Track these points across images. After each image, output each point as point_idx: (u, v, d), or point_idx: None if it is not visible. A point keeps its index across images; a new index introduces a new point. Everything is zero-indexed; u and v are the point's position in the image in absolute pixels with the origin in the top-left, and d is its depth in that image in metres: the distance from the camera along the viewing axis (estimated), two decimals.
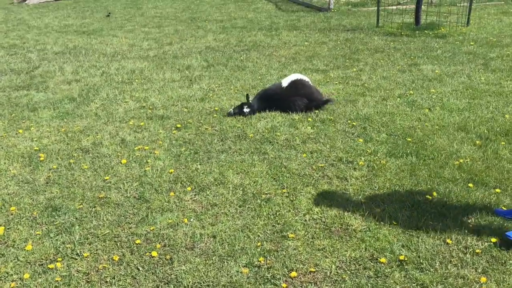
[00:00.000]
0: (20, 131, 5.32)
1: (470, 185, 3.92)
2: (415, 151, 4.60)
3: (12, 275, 2.99)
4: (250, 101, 5.73)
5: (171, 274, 2.98)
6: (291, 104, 5.71)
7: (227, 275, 2.95)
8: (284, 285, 2.86)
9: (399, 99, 6.16)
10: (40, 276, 2.98)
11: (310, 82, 6.03)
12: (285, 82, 5.84)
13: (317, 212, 3.64)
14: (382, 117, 5.51)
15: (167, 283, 2.89)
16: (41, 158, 4.61)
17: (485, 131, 5.00)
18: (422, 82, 6.82)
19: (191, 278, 2.93)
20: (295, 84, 5.79)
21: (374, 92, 6.46)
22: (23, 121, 5.64)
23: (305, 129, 5.22)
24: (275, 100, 5.78)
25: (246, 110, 5.64)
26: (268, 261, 3.08)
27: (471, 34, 9.86)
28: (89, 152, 4.76)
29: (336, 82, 6.94)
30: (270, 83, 6.92)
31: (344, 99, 6.20)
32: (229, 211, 3.68)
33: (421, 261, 3.05)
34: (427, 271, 2.96)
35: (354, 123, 5.35)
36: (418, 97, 6.20)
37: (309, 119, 5.51)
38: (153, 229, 3.44)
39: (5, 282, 2.92)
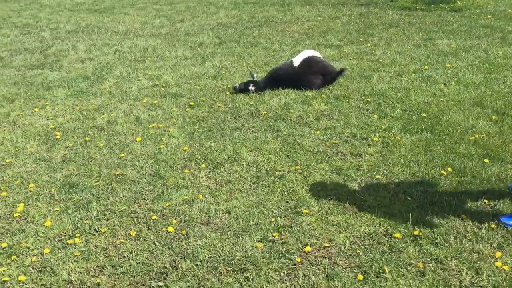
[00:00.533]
0: (36, 109, 5.37)
1: (486, 160, 3.89)
2: (430, 126, 4.56)
3: (33, 249, 3.06)
4: (256, 79, 5.68)
5: (187, 249, 3.03)
6: (307, 83, 5.65)
7: (242, 249, 2.99)
8: (298, 259, 2.89)
9: (414, 74, 6.08)
10: (59, 251, 3.05)
11: (321, 57, 5.96)
12: (296, 61, 5.73)
13: (331, 188, 3.65)
14: (396, 92, 5.46)
15: (184, 258, 2.95)
16: (57, 136, 4.67)
17: (502, 106, 4.93)
18: (438, 57, 6.71)
19: (206, 253, 2.97)
20: (307, 62, 5.71)
21: (389, 67, 6.38)
22: (38, 100, 5.70)
23: (319, 106, 5.20)
24: (287, 80, 5.70)
25: (251, 88, 5.60)
26: (282, 236, 3.12)
27: (488, 7, 9.63)
28: (104, 130, 4.81)
29: (350, 58, 6.87)
30: (283, 59, 6.87)
31: (358, 74, 6.14)
32: (243, 187, 3.70)
33: (436, 236, 3.05)
34: (441, 246, 2.96)
35: (369, 99, 5.30)
36: (433, 72, 6.11)
37: (323, 95, 5.47)
38: (169, 205, 3.49)
39: (26, 256, 3.00)
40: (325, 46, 7.54)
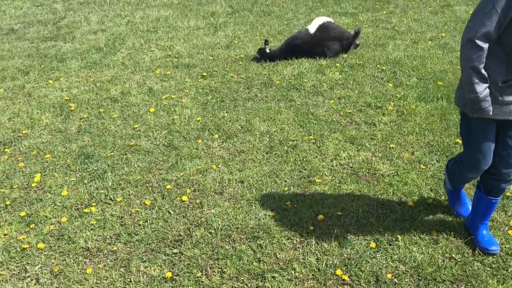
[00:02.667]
0: (50, 81, 5.40)
1: None
2: (446, 95, 4.48)
3: (50, 218, 3.13)
4: (270, 49, 5.62)
5: (201, 218, 3.06)
6: (325, 49, 5.54)
7: (255, 218, 3.02)
8: (311, 227, 2.91)
9: (430, 42, 5.95)
10: (76, 219, 3.11)
11: (335, 23, 5.85)
12: (312, 28, 5.63)
13: (344, 157, 3.64)
14: (412, 61, 5.36)
15: (198, 226, 2.99)
16: (72, 108, 4.71)
17: None
18: (455, 24, 6.54)
19: (220, 221, 3.01)
20: (323, 28, 5.59)
21: (405, 35, 6.25)
22: (52, 71, 5.72)
23: (333, 75, 5.13)
24: (305, 49, 5.61)
25: (267, 50, 5.56)
26: (295, 205, 3.13)
27: None
28: (118, 101, 4.83)
29: (366, 26, 6.73)
30: (297, 28, 6.77)
31: (374, 43, 6.02)
32: (256, 157, 3.71)
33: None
34: (454, 215, 2.95)
35: (384, 68, 5.22)
36: (450, 39, 5.97)
37: (337, 64, 5.40)
38: (182, 175, 3.52)
39: (44, 225, 3.07)
40: (339, 14, 7.39)
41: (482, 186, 2.60)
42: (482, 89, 2.20)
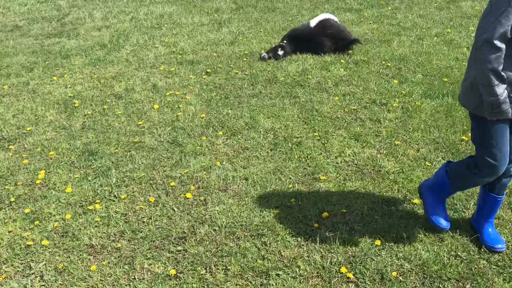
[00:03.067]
0: (54, 78, 5.40)
1: None
2: (452, 91, 4.45)
3: (55, 215, 3.13)
4: (284, 43, 5.64)
5: (206, 215, 3.06)
6: (319, 45, 5.58)
7: (260, 215, 3.01)
8: (315, 225, 2.90)
9: (436, 38, 5.91)
10: (80, 216, 3.11)
11: (338, 22, 5.84)
12: (313, 22, 5.72)
13: (349, 154, 3.62)
14: (418, 57, 5.32)
15: (202, 223, 2.98)
16: (76, 105, 4.70)
17: None
18: (461, 20, 6.50)
19: (224, 218, 3.00)
20: (323, 23, 5.64)
21: (410, 31, 6.21)
22: (57, 68, 5.72)
23: (338, 71, 5.11)
24: (303, 41, 5.65)
25: (280, 52, 5.54)
26: (299, 203, 3.12)
27: None
28: (122, 98, 4.82)
29: (370, 22, 6.69)
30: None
31: (379, 39, 5.99)
32: (260, 154, 3.70)
33: (455, 201, 3.02)
34: (460, 212, 2.93)
35: (389, 64, 5.18)
36: (456, 35, 5.92)
37: (342, 61, 5.37)
38: (187, 172, 3.51)
39: (49, 222, 3.07)
40: (344, 10, 7.35)
41: (486, 184, 2.59)
42: (502, 90, 2.15)
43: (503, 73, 2.13)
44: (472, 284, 2.44)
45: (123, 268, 2.66)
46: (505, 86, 2.16)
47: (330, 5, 7.68)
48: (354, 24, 6.66)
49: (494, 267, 2.54)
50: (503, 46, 2.09)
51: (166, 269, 2.64)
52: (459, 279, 2.47)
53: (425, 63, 5.15)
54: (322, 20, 5.68)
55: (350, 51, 5.58)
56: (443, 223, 2.66)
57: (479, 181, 2.50)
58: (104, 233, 2.95)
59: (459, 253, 2.63)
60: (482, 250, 2.64)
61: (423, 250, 2.65)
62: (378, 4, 7.57)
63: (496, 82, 2.13)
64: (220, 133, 4.03)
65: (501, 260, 2.57)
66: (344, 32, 5.69)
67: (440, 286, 2.44)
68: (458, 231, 2.78)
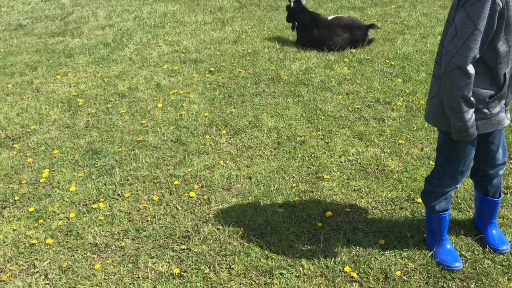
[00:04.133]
0: (58, 77, 5.41)
1: None
2: None
3: (59, 214, 3.14)
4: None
5: (209, 214, 3.06)
6: (333, 35, 5.62)
7: (263, 214, 3.01)
8: (319, 224, 2.90)
9: (439, 36, 5.88)
10: (84, 215, 3.12)
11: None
12: (330, 17, 5.96)
13: (352, 153, 3.61)
14: (421, 55, 5.31)
15: (205, 222, 2.98)
16: (80, 103, 4.71)
17: None
18: None
19: (228, 217, 3.00)
20: (337, 18, 5.84)
21: (414, 29, 6.19)
22: (60, 67, 5.73)
23: (341, 70, 5.10)
24: (317, 28, 5.73)
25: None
26: (303, 202, 3.12)
27: None
28: (126, 96, 4.83)
29: (374, 20, 6.68)
30: None
31: (382, 37, 5.97)
32: (264, 153, 3.70)
33: (459, 201, 3.01)
34: (465, 212, 2.93)
35: (393, 63, 5.17)
36: None
37: (345, 59, 5.36)
38: (190, 171, 3.51)
39: (53, 220, 3.08)
40: (348, 9, 7.34)
41: (480, 188, 2.59)
42: (470, 115, 2.07)
43: (472, 99, 2.05)
44: (477, 284, 2.44)
45: (127, 266, 2.67)
46: (473, 110, 2.08)
47: (334, 4, 7.67)
48: None
49: (499, 266, 2.53)
50: (473, 71, 1.99)
51: (170, 267, 2.64)
52: (464, 279, 2.47)
53: (429, 61, 5.13)
54: (336, 16, 5.93)
55: (371, 37, 5.61)
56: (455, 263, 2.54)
57: (440, 192, 2.44)
58: (108, 231, 2.95)
59: (463, 253, 2.62)
60: (487, 249, 2.63)
61: (427, 249, 2.65)
62: (381, 3, 7.55)
63: (466, 109, 2.04)
64: (224, 132, 4.03)
65: (505, 260, 2.57)
66: (358, 21, 5.82)
67: (444, 285, 2.43)
68: (462, 230, 2.77)
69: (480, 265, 2.54)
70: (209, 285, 2.52)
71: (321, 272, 2.56)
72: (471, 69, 1.98)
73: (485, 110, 2.17)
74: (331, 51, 5.60)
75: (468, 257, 2.59)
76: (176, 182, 3.39)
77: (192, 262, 2.67)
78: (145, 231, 2.93)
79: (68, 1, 9.17)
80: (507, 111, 2.26)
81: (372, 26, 5.67)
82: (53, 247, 2.85)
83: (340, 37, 5.59)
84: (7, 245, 2.88)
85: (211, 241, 2.82)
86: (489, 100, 2.15)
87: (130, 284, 2.55)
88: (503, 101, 2.21)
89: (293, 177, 3.39)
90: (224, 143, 3.87)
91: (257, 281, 2.52)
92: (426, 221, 2.65)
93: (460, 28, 1.95)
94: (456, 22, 1.98)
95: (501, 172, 2.50)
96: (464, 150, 2.29)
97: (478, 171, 2.51)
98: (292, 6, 6.13)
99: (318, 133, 3.92)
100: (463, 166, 2.33)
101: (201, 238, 2.84)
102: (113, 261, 2.71)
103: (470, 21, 1.92)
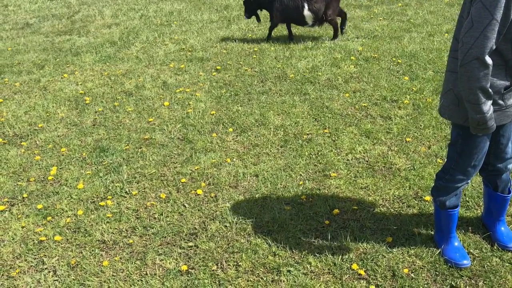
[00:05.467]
0: (65, 75, 5.44)
1: None
2: None
3: (67, 211, 3.15)
4: None
5: (216, 211, 3.06)
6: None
7: (270, 212, 3.01)
8: (326, 222, 2.90)
9: (447, 34, 5.86)
10: (92, 212, 3.13)
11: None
12: None
13: (359, 151, 3.61)
14: (428, 53, 5.29)
15: (213, 219, 2.99)
16: (87, 101, 4.73)
17: None
18: None
19: (235, 215, 3.00)
20: None
21: (421, 27, 6.16)
22: (67, 65, 5.76)
23: (348, 68, 5.09)
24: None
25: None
26: (310, 199, 3.11)
27: None
28: (133, 94, 4.84)
29: (381, 18, 6.66)
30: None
31: (389, 35, 5.95)
32: (270, 151, 3.70)
33: (467, 199, 3.00)
34: (473, 210, 2.91)
35: (399, 61, 5.16)
36: None
37: (352, 57, 5.35)
38: (197, 169, 3.52)
39: (61, 217, 3.10)
40: (354, 7, 7.32)
41: (489, 183, 2.58)
42: (488, 107, 2.08)
43: (490, 90, 2.05)
44: (485, 282, 2.43)
45: (135, 263, 2.68)
46: (491, 102, 2.08)
47: (340, 2, 7.65)
48: (364, 20, 6.63)
49: (507, 264, 2.52)
50: (491, 62, 1.99)
51: (177, 264, 2.65)
52: (472, 277, 2.46)
53: (436, 59, 5.11)
54: None
55: (360, 48, 5.55)
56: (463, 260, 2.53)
57: (451, 188, 2.44)
58: (116, 229, 2.96)
59: (471, 251, 2.61)
60: (495, 247, 2.62)
61: (434, 247, 2.64)
62: (388, 1, 7.53)
63: (484, 100, 2.04)
64: (230, 130, 4.03)
65: None
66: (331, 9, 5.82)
67: (452, 283, 2.42)
68: (470, 228, 2.76)
69: (488, 263, 2.53)
70: (217, 282, 2.53)
71: (328, 269, 2.56)
72: (488, 59, 1.98)
73: (500, 102, 2.17)
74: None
75: (476, 255, 2.58)
76: (183, 180, 3.39)
77: (200, 259, 2.68)
78: (153, 228, 2.94)
79: (75, 0, 9.20)
80: None
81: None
82: (61, 244, 2.86)
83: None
84: (16, 242, 2.90)
85: (219, 238, 2.83)
86: (504, 92, 2.15)
87: (138, 280, 2.56)
88: None
89: (300, 175, 3.39)
90: (230, 141, 3.88)
91: (265, 278, 2.52)
92: (435, 219, 2.65)
93: (476, 19, 1.95)
94: (472, 14, 1.97)
95: (510, 166, 2.49)
96: (479, 144, 2.28)
97: (488, 166, 2.50)
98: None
99: (325, 131, 3.92)
100: (475, 160, 2.33)
101: (209, 236, 2.85)
102: (121, 258, 2.72)
103: (487, 11, 1.92)
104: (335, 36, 5.95)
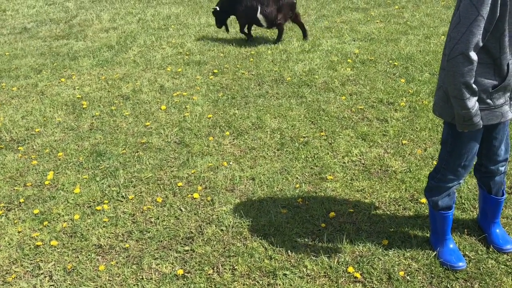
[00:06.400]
0: (63, 79, 5.44)
1: None
2: None
3: (63, 216, 3.16)
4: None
5: (213, 215, 3.07)
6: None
7: (267, 215, 3.01)
8: (323, 225, 2.90)
9: (443, 37, 5.88)
10: (89, 217, 3.13)
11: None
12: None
13: (356, 154, 3.61)
14: (425, 56, 5.30)
15: (209, 223, 2.99)
16: (84, 106, 4.74)
17: None
18: None
19: (231, 218, 3.01)
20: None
21: (417, 30, 6.18)
22: (65, 70, 5.76)
23: (345, 71, 5.10)
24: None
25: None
26: (306, 202, 3.12)
27: None
28: (130, 99, 4.85)
29: (377, 21, 6.68)
30: (308, 24, 6.73)
31: (386, 38, 5.97)
32: (267, 154, 3.70)
33: (463, 201, 3.00)
34: (469, 212, 2.92)
35: (396, 63, 5.17)
36: None
37: (349, 60, 5.36)
38: (194, 172, 3.52)
39: (57, 222, 3.10)
40: (351, 10, 7.34)
41: (483, 186, 2.58)
42: (473, 103, 2.08)
43: (474, 86, 2.06)
44: (480, 284, 2.43)
45: (131, 268, 2.68)
46: (476, 98, 2.09)
47: (337, 5, 7.67)
48: (361, 23, 6.65)
49: (503, 266, 2.52)
50: (476, 57, 2.01)
51: (173, 269, 2.65)
52: (467, 279, 2.46)
53: (433, 62, 5.13)
54: None
55: (357, 50, 5.57)
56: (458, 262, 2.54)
57: (443, 188, 2.44)
58: (112, 233, 2.97)
59: (467, 253, 2.61)
60: (490, 249, 2.62)
61: (430, 249, 2.64)
62: (385, 3, 7.55)
63: (468, 95, 2.05)
64: (227, 133, 4.04)
65: (509, 260, 2.56)
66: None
67: (448, 285, 2.43)
68: (466, 230, 2.76)
69: (484, 265, 2.53)
70: (213, 286, 2.53)
71: (324, 272, 2.56)
72: (473, 55, 2.00)
73: (488, 101, 2.18)
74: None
75: (472, 257, 2.59)
76: (179, 184, 3.40)
77: (196, 263, 2.68)
78: (149, 232, 2.95)
79: (73, 4, 9.22)
80: None
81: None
82: (57, 248, 2.86)
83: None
84: (12, 247, 2.90)
85: (215, 242, 2.83)
86: (492, 91, 2.16)
87: (134, 285, 2.56)
88: (508, 94, 2.21)
89: (297, 178, 3.39)
90: (227, 145, 3.88)
91: (261, 282, 2.53)
92: (430, 220, 2.65)
93: (463, 15, 1.98)
94: (460, 10, 2.01)
95: (502, 168, 2.49)
96: (468, 143, 2.29)
97: (481, 167, 2.51)
98: (219, 9, 6.25)
99: (322, 133, 3.92)
100: (465, 161, 2.34)
101: (205, 239, 2.85)
102: (117, 263, 2.72)
103: (474, 7, 1.95)
104: (277, 39, 6.21)
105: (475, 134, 2.27)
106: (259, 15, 5.94)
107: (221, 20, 6.37)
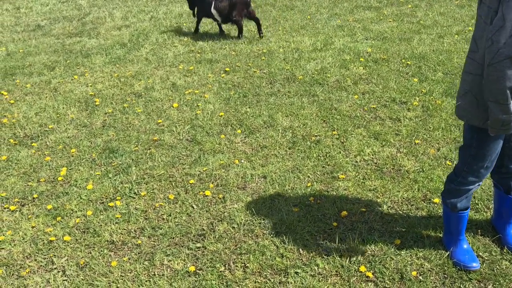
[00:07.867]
0: (76, 77, 5.48)
1: None
2: None
3: (76, 212, 3.18)
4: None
5: (224, 212, 3.07)
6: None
7: (278, 213, 3.01)
8: (334, 224, 2.89)
9: (456, 36, 5.83)
10: (101, 213, 3.15)
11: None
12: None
13: (368, 153, 3.60)
14: (438, 55, 5.26)
15: (221, 221, 2.99)
16: (97, 103, 4.77)
17: None
18: None
19: (243, 216, 3.01)
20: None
21: (430, 29, 6.13)
22: (78, 67, 5.80)
23: (357, 70, 5.08)
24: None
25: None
26: (318, 201, 3.11)
27: None
28: (142, 96, 4.87)
29: (390, 20, 6.64)
30: (320, 22, 6.71)
31: (399, 37, 5.93)
32: (278, 152, 3.70)
33: (477, 201, 2.98)
34: (482, 212, 2.89)
35: (409, 62, 5.13)
36: None
37: (361, 59, 5.34)
38: (205, 170, 3.53)
39: (70, 218, 3.12)
40: (363, 8, 7.30)
41: (501, 186, 2.55)
42: None
43: None
44: (494, 285, 2.41)
45: (143, 264, 2.69)
46: None
47: (349, 3, 7.64)
48: (374, 22, 6.61)
49: None
50: None
51: (185, 265, 2.66)
52: (481, 280, 2.44)
53: (446, 61, 5.09)
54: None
55: (369, 49, 5.54)
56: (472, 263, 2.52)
57: (463, 190, 2.42)
58: (125, 229, 2.98)
59: (480, 254, 2.59)
60: (505, 250, 2.60)
61: (443, 249, 2.62)
62: (397, 2, 7.50)
63: (511, 100, 2.02)
64: (239, 131, 4.04)
65: None
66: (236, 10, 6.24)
67: (461, 286, 2.41)
68: (479, 231, 2.74)
69: (498, 266, 2.51)
70: (224, 283, 2.53)
71: (336, 271, 2.55)
72: None
73: None
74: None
75: (486, 258, 2.56)
76: (191, 181, 3.41)
77: (208, 260, 2.69)
78: (161, 229, 2.96)
79: (85, 2, 9.28)
80: None
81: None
82: (70, 244, 2.89)
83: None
84: (26, 241, 2.93)
85: (226, 239, 2.83)
86: None
87: (146, 281, 2.58)
88: None
89: (308, 176, 3.38)
90: (239, 143, 3.88)
91: (272, 280, 2.53)
92: (444, 221, 2.63)
93: (509, 18, 1.91)
94: (504, 12, 1.93)
95: None
96: (494, 145, 2.27)
97: (501, 168, 2.47)
98: None
99: (334, 132, 3.91)
100: (489, 162, 2.32)
101: (216, 237, 2.86)
102: (129, 259, 2.74)
103: None
104: (238, 36, 6.42)
105: (501, 135, 2.25)
106: (213, 10, 6.24)
107: (190, 6, 6.84)
